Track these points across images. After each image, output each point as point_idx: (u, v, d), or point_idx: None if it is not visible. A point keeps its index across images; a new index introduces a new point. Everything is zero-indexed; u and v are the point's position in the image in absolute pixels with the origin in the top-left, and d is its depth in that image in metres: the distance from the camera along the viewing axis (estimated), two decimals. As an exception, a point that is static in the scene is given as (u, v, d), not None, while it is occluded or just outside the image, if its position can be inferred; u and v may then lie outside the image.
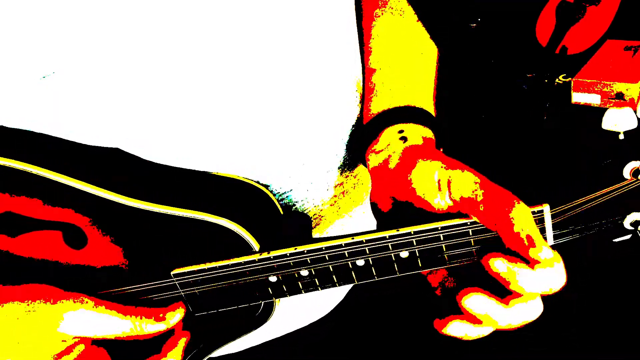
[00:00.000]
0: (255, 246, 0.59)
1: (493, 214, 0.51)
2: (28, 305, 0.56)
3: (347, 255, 0.57)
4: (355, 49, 0.75)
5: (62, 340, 0.56)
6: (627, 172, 0.48)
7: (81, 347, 0.58)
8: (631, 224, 0.49)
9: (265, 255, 0.58)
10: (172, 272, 0.61)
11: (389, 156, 0.62)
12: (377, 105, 0.69)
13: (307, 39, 0.66)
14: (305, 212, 0.72)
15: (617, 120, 0.47)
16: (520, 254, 0.51)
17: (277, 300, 0.63)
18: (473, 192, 0.53)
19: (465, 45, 1.80)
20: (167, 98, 0.60)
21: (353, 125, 0.74)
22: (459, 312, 0.54)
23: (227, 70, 0.62)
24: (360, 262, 0.57)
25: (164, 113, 0.61)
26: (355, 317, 0.85)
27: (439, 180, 0.56)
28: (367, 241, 0.56)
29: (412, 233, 0.55)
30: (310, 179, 0.71)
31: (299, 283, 0.60)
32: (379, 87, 0.72)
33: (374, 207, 0.64)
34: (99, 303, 0.58)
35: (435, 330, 0.56)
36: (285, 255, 0.58)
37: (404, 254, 0.56)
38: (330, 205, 0.75)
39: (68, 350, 0.57)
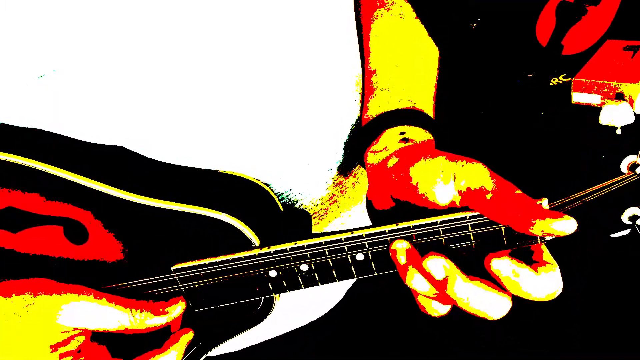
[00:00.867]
0: (256, 241, 0.60)
1: (503, 202, 0.51)
2: (27, 297, 0.56)
3: (346, 250, 0.57)
4: (355, 48, 0.75)
5: (62, 332, 0.57)
6: (624, 166, 0.48)
7: (81, 338, 0.58)
8: (629, 219, 0.49)
9: (265, 250, 0.58)
10: (172, 267, 0.61)
11: (388, 157, 0.62)
12: (377, 106, 0.69)
13: (307, 38, 0.67)
14: (304, 210, 0.72)
15: (614, 116, 0.47)
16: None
17: (277, 296, 0.64)
18: (481, 181, 0.52)
19: (465, 45, 1.80)
20: (169, 97, 0.61)
21: (353, 125, 0.74)
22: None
23: (228, 70, 0.62)
24: (360, 257, 0.57)
25: (167, 112, 0.61)
26: (355, 315, 0.85)
27: (443, 172, 0.55)
28: (367, 235, 0.56)
29: (412, 227, 0.55)
30: (310, 177, 0.71)
31: (299, 278, 0.60)
32: (378, 88, 0.72)
33: (369, 206, 0.64)
34: (99, 295, 0.58)
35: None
36: (285, 250, 0.58)
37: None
38: (330, 203, 0.75)
39: (67, 341, 0.57)
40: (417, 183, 0.56)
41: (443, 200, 0.55)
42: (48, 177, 0.58)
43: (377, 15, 0.78)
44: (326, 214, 0.75)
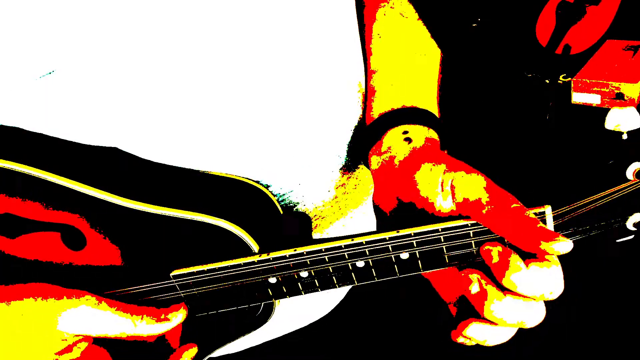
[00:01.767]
0: (255, 247, 0.59)
1: (499, 216, 0.51)
2: (27, 303, 0.56)
3: (347, 257, 0.57)
4: (357, 49, 0.75)
5: (63, 339, 0.56)
6: (630, 172, 0.48)
7: (83, 345, 0.57)
8: (634, 225, 0.49)
9: (264, 256, 0.58)
10: (171, 274, 0.60)
11: (393, 157, 0.62)
12: (380, 106, 0.69)
13: (308, 39, 0.66)
14: (305, 212, 0.72)
15: (620, 121, 0.47)
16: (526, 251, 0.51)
17: (276, 301, 0.63)
18: (477, 194, 0.53)
19: (466, 46, 1.80)
20: (167, 98, 0.60)
21: (355, 126, 0.73)
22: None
23: (228, 70, 0.62)
24: (360, 264, 0.57)
25: (164, 113, 0.61)
26: (355, 317, 0.85)
27: (442, 182, 0.56)
28: (367, 242, 0.56)
29: (413, 234, 0.55)
30: (311, 179, 0.71)
31: (299, 284, 0.59)
32: (381, 88, 0.71)
33: (376, 207, 0.64)
34: (100, 300, 0.57)
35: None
36: (284, 257, 0.58)
37: (404, 255, 0.56)
38: (331, 205, 0.75)
39: (69, 348, 0.57)
40: (420, 190, 0.57)
41: (443, 209, 0.56)
42: (44, 183, 0.58)
43: (379, 15, 0.78)
44: (328, 215, 0.75)
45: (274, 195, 0.67)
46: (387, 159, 0.63)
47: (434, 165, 0.57)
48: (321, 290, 0.59)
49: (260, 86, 0.64)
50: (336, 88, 0.71)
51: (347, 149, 0.73)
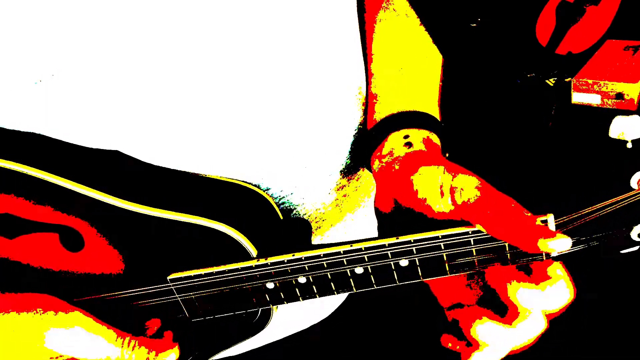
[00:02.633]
0: (253, 252, 0.59)
1: (497, 218, 0.51)
2: (20, 316, 0.55)
3: (345, 263, 0.56)
4: (357, 52, 0.75)
5: (49, 356, 0.56)
6: (634, 182, 0.47)
7: None
8: (639, 235, 0.48)
9: (262, 261, 0.58)
10: (168, 277, 0.60)
11: (393, 161, 0.62)
12: (381, 110, 0.69)
13: (309, 42, 0.66)
14: (306, 215, 0.72)
15: (624, 129, 0.46)
16: (527, 255, 0.51)
17: (274, 307, 0.63)
18: (475, 196, 0.52)
19: (466, 47, 1.80)
20: (168, 101, 0.60)
21: (355, 129, 0.73)
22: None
23: (228, 74, 0.61)
24: (359, 270, 0.56)
25: (166, 116, 0.60)
26: (355, 320, 0.85)
27: (442, 185, 0.55)
28: (366, 249, 0.55)
29: (412, 241, 0.54)
30: (312, 182, 0.71)
31: (297, 290, 0.59)
32: (382, 91, 0.71)
33: (377, 211, 0.64)
34: (96, 323, 0.57)
35: (436, 336, 0.56)
36: (283, 262, 0.57)
37: (404, 262, 0.55)
38: (332, 208, 0.74)
39: None
40: (417, 192, 0.57)
41: (441, 212, 0.55)
42: (44, 184, 0.58)
43: (380, 19, 0.77)
44: (328, 218, 0.75)
45: (275, 198, 0.67)
46: (387, 163, 0.63)
47: (431, 168, 0.57)
48: (319, 296, 0.59)
49: (261, 90, 0.63)
50: (337, 91, 0.71)
51: (347, 151, 0.73)
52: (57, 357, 0.56)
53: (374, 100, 0.71)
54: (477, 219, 0.52)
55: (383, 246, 0.55)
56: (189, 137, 0.62)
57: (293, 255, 0.57)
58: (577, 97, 1.66)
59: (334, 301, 0.85)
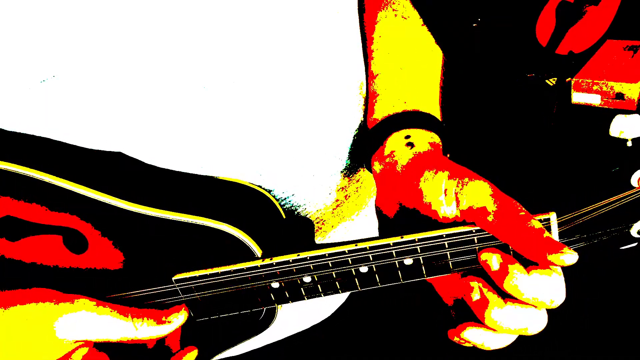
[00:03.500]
0: (258, 252, 0.59)
1: (505, 225, 0.51)
2: (27, 309, 0.56)
3: (350, 262, 0.56)
4: (358, 52, 0.75)
5: (63, 345, 0.56)
6: (634, 180, 0.47)
7: (83, 350, 0.57)
8: (638, 232, 0.49)
9: (267, 261, 0.58)
10: (173, 278, 0.60)
11: (395, 162, 0.62)
12: (382, 110, 0.69)
13: (310, 42, 0.66)
14: (307, 216, 0.72)
15: (624, 128, 0.46)
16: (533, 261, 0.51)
17: (279, 306, 0.63)
18: (482, 202, 0.53)
19: (467, 46, 1.80)
20: (171, 102, 0.60)
21: (356, 129, 0.73)
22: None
23: (230, 75, 0.61)
24: (364, 269, 0.57)
25: (168, 117, 0.61)
26: (358, 319, 0.85)
27: (446, 190, 0.55)
28: (371, 248, 0.55)
29: (417, 240, 0.54)
30: (313, 182, 0.71)
31: (302, 289, 0.59)
32: (382, 91, 0.71)
33: (378, 211, 0.64)
34: (100, 304, 0.57)
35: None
36: (287, 262, 0.57)
37: (408, 261, 0.56)
38: (333, 209, 0.74)
39: (69, 355, 0.56)
40: (423, 197, 0.57)
41: (447, 216, 0.56)
42: (47, 186, 0.58)
43: (380, 18, 0.77)
44: (329, 219, 0.75)
45: (276, 199, 0.67)
46: (389, 164, 0.63)
47: (437, 172, 0.57)
48: (324, 295, 0.59)
49: (261, 90, 0.63)
50: (337, 91, 0.71)
51: (348, 152, 0.73)
52: (67, 345, 0.56)
53: (374, 100, 0.71)
54: (484, 225, 0.53)
55: (388, 245, 0.55)
56: (191, 138, 0.62)
57: (298, 255, 0.57)
58: (577, 97, 1.66)
59: (336, 301, 0.85)
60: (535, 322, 0.52)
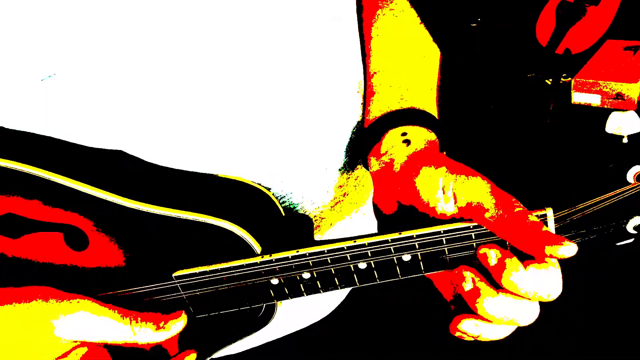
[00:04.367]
0: (257, 248, 0.59)
1: (503, 220, 0.51)
2: (25, 307, 0.56)
3: (349, 259, 0.57)
4: (356, 50, 0.75)
5: (61, 344, 0.56)
6: (630, 176, 0.48)
7: (82, 350, 0.57)
8: (634, 228, 0.49)
9: (267, 257, 0.58)
10: (173, 275, 0.60)
11: (392, 159, 0.62)
12: (379, 107, 0.69)
13: (307, 40, 0.66)
14: (306, 213, 0.72)
15: (621, 124, 0.47)
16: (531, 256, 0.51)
17: (278, 302, 0.63)
18: (480, 198, 0.53)
19: (466, 46, 1.80)
20: (170, 100, 0.60)
21: (354, 127, 0.74)
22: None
23: (228, 72, 0.62)
24: (362, 265, 0.57)
25: (167, 115, 0.61)
26: (357, 317, 0.85)
27: (444, 187, 0.55)
28: (370, 244, 0.56)
29: (415, 236, 0.55)
30: (311, 180, 0.71)
31: (301, 286, 0.59)
32: (380, 89, 0.71)
33: (376, 209, 0.64)
34: (99, 305, 0.57)
35: (439, 331, 0.56)
36: (287, 258, 0.58)
37: (406, 257, 0.56)
38: (331, 206, 0.75)
39: (66, 354, 0.56)
40: (420, 193, 0.57)
41: (445, 213, 0.56)
42: (48, 184, 0.58)
43: (378, 15, 0.77)
44: (328, 216, 0.75)
45: (275, 197, 0.67)
46: (386, 162, 0.63)
47: (434, 168, 0.57)
48: (323, 291, 0.60)
49: (260, 88, 0.64)
50: (335, 89, 0.71)
51: (346, 149, 0.73)
52: (65, 344, 0.56)
53: (372, 98, 0.71)
54: (482, 221, 0.53)
55: (386, 241, 0.55)
56: (190, 136, 0.62)
57: (297, 252, 0.57)
58: (577, 97, 1.66)
59: (336, 299, 0.85)
60: (526, 313, 0.53)
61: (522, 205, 0.52)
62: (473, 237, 0.54)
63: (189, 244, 0.60)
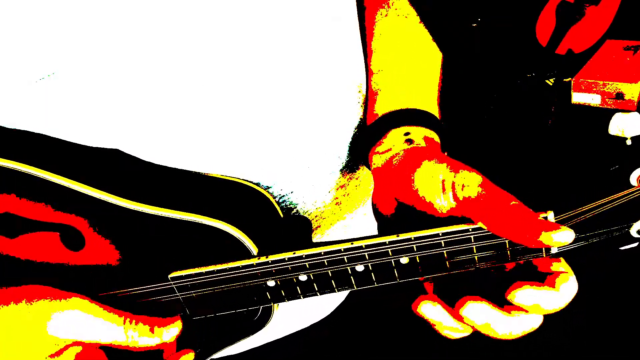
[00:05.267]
0: (254, 250, 0.59)
1: (499, 215, 0.50)
2: (19, 306, 0.56)
3: (346, 261, 0.56)
4: (357, 49, 0.75)
5: (54, 343, 0.56)
6: (634, 179, 0.47)
7: (76, 349, 0.57)
8: (638, 232, 0.48)
9: (263, 259, 0.58)
10: (169, 276, 0.60)
11: (393, 157, 0.61)
12: (381, 107, 0.69)
13: (309, 40, 0.66)
14: (306, 213, 0.72)
15: (624, 126, 0.46)
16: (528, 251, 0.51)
17: (275, 305, 0.63)
18: (477, 193, 0.52)
19: (466, 46, 1.80)
20: (169, 99, 0.60)
21: (355, 127, 0.73)
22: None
23: (228, 72, 0.61)
24: (360, 268, 0.56)
25: (165, 114, 0.60)
26: (356, 318, 0.85)
27: (444, 181, 0.55)
28: (367, 247, 0.55)
29: (413, 239, 0.54)
30: (312, 180, 0.71)
31: (298, 288, 0.59)
32: (381, 89, 0.71)
33: (375, 208, 0.63)
34: (95, 305, 0.57)
35: (437, 334, 0.56)
36: (283, 260, 0.57)
37: (404, 260, 0.55)
38: (332, 206, 0.74)
39: (60, 352, 0.56)
40: (418, 189, 0.56)
41: (442, 208, 0.55)
42: (45, 184, 0.58)
43: (380, 17, 0.77)
44: (328, 216, 0.75)
45: (275, 197, 0.67)
46: (387, 159, 0.62)
47: (434, 164, 0.57)
48: (320, 294, 0.59)
49: (261, 88, 0.63)
50: (337, 89, 0.71)
51: (347, 149, 0.73)
52: (58, 342, 0.56)
53: (374, 98, 0.71)
54: (478, 215, 0.52)
55: (383, 244, 0.55)
56: (188, 135, 0.62)
57: (294, 253, 0.57)
58: (577, 97, 1.66)
59: (334, 300, 0.85)
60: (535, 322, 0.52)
61: (518, 200, 0.51)
62: (472, 240, 0.53)
63: (186, 245, 0.60)
